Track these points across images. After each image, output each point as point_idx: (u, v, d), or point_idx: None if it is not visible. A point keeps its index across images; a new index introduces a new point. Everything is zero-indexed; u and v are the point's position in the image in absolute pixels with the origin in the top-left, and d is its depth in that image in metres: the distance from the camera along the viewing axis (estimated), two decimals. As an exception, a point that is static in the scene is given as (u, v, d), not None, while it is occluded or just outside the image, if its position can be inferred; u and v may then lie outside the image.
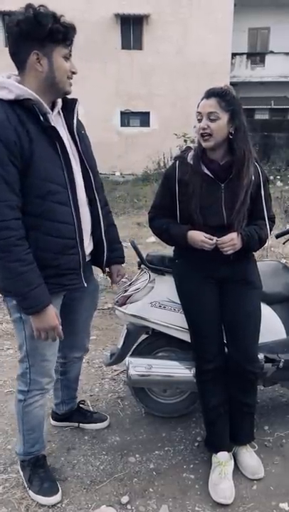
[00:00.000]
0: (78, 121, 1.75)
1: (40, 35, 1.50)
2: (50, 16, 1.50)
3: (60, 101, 1.69)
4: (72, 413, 2.31)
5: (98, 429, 2.33)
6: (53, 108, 1.66)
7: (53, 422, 2.34)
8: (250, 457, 2.07)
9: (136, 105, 17.47)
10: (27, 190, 1.55)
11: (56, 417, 2.33)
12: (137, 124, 17.94)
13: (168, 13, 16.68)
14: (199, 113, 1.86)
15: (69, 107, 1.71)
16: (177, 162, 1.99)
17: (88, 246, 1.81)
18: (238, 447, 2.10)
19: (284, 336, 2.25)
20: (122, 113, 17.65)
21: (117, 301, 2.27)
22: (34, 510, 1.85)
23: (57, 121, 1.66)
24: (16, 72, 1.61)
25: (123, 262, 2.10)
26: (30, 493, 1.90)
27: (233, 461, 2.04)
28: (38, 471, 1.93)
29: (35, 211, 1.58)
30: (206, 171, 1.92)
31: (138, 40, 17.25)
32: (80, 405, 2.36)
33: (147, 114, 17.78)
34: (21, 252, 1.54)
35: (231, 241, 1.86)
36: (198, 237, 1.89)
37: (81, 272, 1.75)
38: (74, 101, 1.71)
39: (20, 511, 1.85)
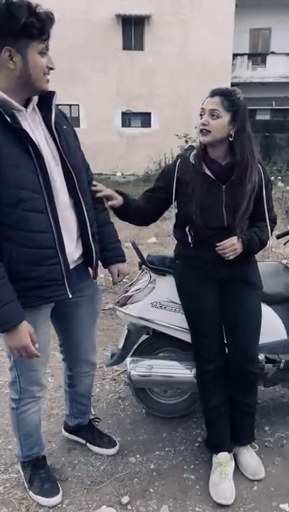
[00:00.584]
0: (59, 115, 1.62)
1: (14, 30, 1.36)
2: (24, 8, 1.35)
3: (35, 97, 1.55)
4: (82, 429, 2.20)
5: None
6: (27, 105, 1.53)
7: (64, 432, 2.28)
8: (250, 458, 2.07)
9: (137, 106, 17.48)
10: None
11: (67, 428, 2.26)
12: (138, 125, 17.96)
13: (169, 13, 16.70)
14: (203, 109, 1.86)
15: (46, 102, 1.56)
16: (179, 160, 1.99)
17: (74, 251, 1.69)
18: (239, 448, 2.09)
19: (285, 336, 2.25)
20: (123, 113, 17.67)
21: (117, 302, 2.27)
22: (35, 510, 1.85)
23: (33, 119, 1.54)
24: None
25: (123, 261, 1.98)
26: (31, 493, 1.90)
27: (233, 462, 2.04)
28: (39, 472, 1.93)
29: (6, 221, 1.46)
30: (207, 172, 1.92)
31: (139, 40, 17.27)
32: (93, 423, 2.24)
33: (148, 114, 17.80)
34: None
35: (232, 246, 1.86)
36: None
37: (65, 282, 1.61)
38: (51, 94, 1.55)
39: (20, 511, 1.85)
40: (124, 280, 2.17)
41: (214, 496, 1.90)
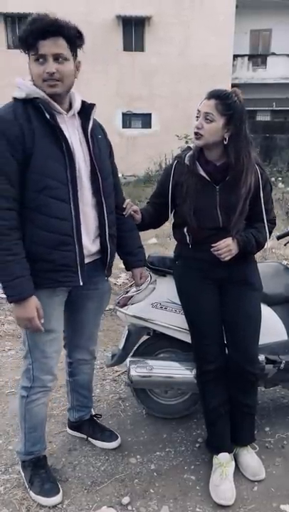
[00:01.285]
0: (96, 125, 1.81)
1: (23, 46, 1.60)
2: (26, 25, 1.56)
3: (78, 105, 1.74)
4: (84, 423, 2.26)
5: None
6: (69, 110, 1.72)
7: (68, 430, 2.33)
8: (251, 458, 2.07)
9: (137, 106, 17.49)
10: (25, 184, 1.60)
11: (70, 424, 2.31)
12: (138, 126, 17.97)
13: (170, 14, 16.71)
14: (198, 111, 1.87)
15: (86, 111, 1.76)
16: (176, 162, 2.01)
17: (92, 246, 1.81)
18: (239, 448, 2.10)
19: (285, 337, 2.25)
20: (123, 114, 17.68)
21: (118, 302, 2.28)
22: (35, 510, 1.85)
23: (72, 123, 1.72)
24: None
25: (143, 266, 2.10)
26: (31, 493, 1.90)
27: (234, 463, 2.04)
28: (39, 472, 1.94)
29: (30, 204, 1.62)
30: (202, 173, 1.92)
31: (140, 41, 17.28)
32: (94, 418, 2.30)
33: (149, 115, 17.80)
34: (9, 242, 1.58)
35: (227, 247, 1.85)
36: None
37: (78, 270, 1.73)
38: (91, 106, 1.77)
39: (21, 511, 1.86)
40: (124, 281, 2.18)
41: (214, 497, 1.90)
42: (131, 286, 2.31)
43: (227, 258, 1.87)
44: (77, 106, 1.74)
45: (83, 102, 1.76)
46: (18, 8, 15.97)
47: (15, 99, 1.63)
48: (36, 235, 1.64)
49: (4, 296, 1.69)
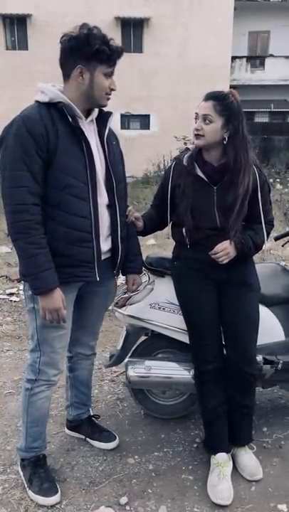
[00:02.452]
0: (111, 132, 1.89)
1: (87, 54, 1.66)
2: (99, 38, 1.66)
3: (95, 111, 1.83)
4: (82, 423, 2.27)
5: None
6: (88, 116, 1.80)
7: (66, 431, 2.33)
8: (248, 458, 2.07)
9: (136, 108, 17.52)
10: (48, 182, 1.68)
11: (68, 424, 2.32)
12: (137, 127, 18.00)
13: (168, 16, 16.75)
14: (196, 113, 1.89)
15: (103, 118, 1.85)
16: (174, 163, 2.02)
17: (104, 244, 1.86)
18: (237, 448, 2.10)
19: (283, 337, 2.25)
20: (122, 115, 17.69)
21: (116, 303, 2.28)
22: (33, 510, 1.86)
23: (89, 128, 1.80)
24: (62, 84, 1.76)
25: (140, 273, 2.14)
26: (30, 493, 1.91)
27: (231, 463, 2.04)
28: (39, 471, 1.94)
29: (52, 202, 1.69)
30: (200, 173, 1.94)
31: (138, 43, 17.33)
32: (93, 418, 2.31)
33: (147, 116, 17.84)
34: (36, 236, 1.66)
35: (224, 250, 1.87)
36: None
37: (95, 266, 1.81)
38: (108, 114, 1.86)
39: (19, 512, 1.86)
40: (122, 282, 2.20)
41: (212, 497, 1.91)
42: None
43: (225, 261, 1.89)
44: (95, 113, 1.83)
45: (100, 110, 1.85)
46: (18, 9, 16.00)
47: (38, 102, 1.70)
48: (57, 231, 1.71)
49: (29, 290, 1.76)
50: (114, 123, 1.87)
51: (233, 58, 18.84)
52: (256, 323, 2.03)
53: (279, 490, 1.97)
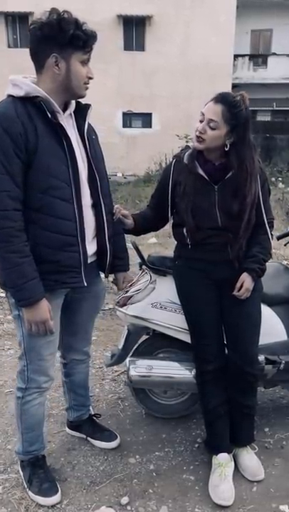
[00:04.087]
0: (90, 126, 1.78)
1: (61, 40, 1.54)
2: (72, 23, 1.54)
3: (73, 104, 1.73)
4: (83, 423, 2.25)
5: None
6: (65, 109, 1.69)
7: (67, 430, 2.32)
8: (250, 459, 2.06)
9: (138, 106, 17.49)
10: (29, 184, 1.57)
11: (69, 424, 2.31)
12: (139, 125, 17.97)
13: (171, 14, 16.70)
14: (202, 114, 1.82)
15: (81, 111, 1.75)
16: (174, 161, 2.00)
17: (90, 247, 1.79)
18: (239, 449, 2.09)
19: (285, 337, 2.24)
20: (124, 114, 17.68)
21: (118, 302, 2.27)
22: (34, 510, 1.85)
23: (68, 122, 1.69)
24: (34, 75, 1.65)
25: (128, 270, 2.09)
26: (30, 493, 1.90)
27: (233, 463, 2.03)
28: (38, 472, 1.93)
29: (34, 205, 1.59)
30: (200, 172, 1.92)
31: (140, 41, 17.29)
32: (93, 418, 2.29)
33: (149, 115, 17.81)
34: (19, 244, 1.56)
35: (244, 288, 1.90)
36: None
37: (82, 271, 1.74)
38: (87, 106, 1.76)
39: (20, 511, 1.85)
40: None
41: (214, 497, 1.90)
42: (131, 286, 2.30)
43: (246, 296, 1.91)
44: (72, 106, 1.72)
45: (78, 102, 1.74)
46: (19, 7, 15.98)
47: (12, 96, 1.58)
48: (40, 236, 1.61)
49: (13, 300, 1.68)
50: (92, 116, 1.76)
51: (236, 57, 18.78)
52: (258, 323, 2.01)
53: (281, 490, 1.96)
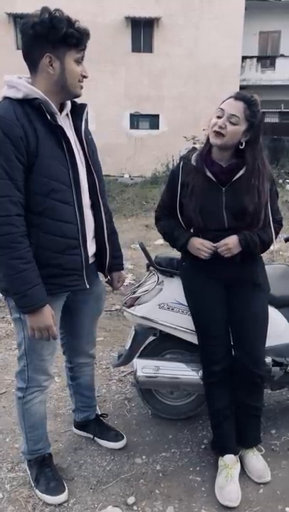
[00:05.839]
0: (86, 126, 1.76)
1: (54, 39, 1.52)
2: (64, 21, 1.52)
3: (69, 104, 1.71)
4: (90, 423, 2.26)
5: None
6: (61, 110, 1.68)
7: (74, 430, 2.34)
8: (256, 460, 2.06)
9: (145, 108, 17.51)
10: (30, 188, 1.55)
11: (76, 424, 2.32)
12: (146, 127, 17.98)
13: (179, 16, 16.71)
14: (221, 110, 1.82)
15: (78, 111, 1.73)
16: (182, 162, 2.00)
17: (91, 248, 1.80)
18: (245, 450, 2.09)
19: (292, 339, 2.24)
20: (131, 115, 17.70)
21: (125, 303, 2.28)
22: (41, 509, 1.86)
23: (65, 123, 1.67)
24: (28, 75, 1.63)
25: (122, 269, 2.11)
26: (37, 492, 1.92)
27: (239, 464, 2.03)
28: (45, 471, 1.94)
29: (36, 209, 1.58)
30: (208, 174, 1.92)
31: (148, 42, 17.31)
32: (100, 418, 2.30)
33: (157, 116, 17.81)
34: (22, 250, 1.54)
35: (225, 246, 1.87)
36: (194, 244, 1.92)
37: (84, 274, 1.74)
38: (83, 106, 1.74)
39: (27, 510, 1.86)
40: (131, 282, 2.19)
41: (220, 498, 1.90)
42: (138, 286, 2.31)
43: (228, 255, 1.88)
44: (68, 106, 1.71)
45: (73, 102, 1.73)
46: (27, 9, 16.01)
47: (9, 99, 1.55)
48: (43, 240, 1.60)
49: (13, 303, 1.66)
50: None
51: (244, 58, 18.74)
52: (265, 324, 2.01)
53: (287, 493, 1.96)
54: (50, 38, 1.52)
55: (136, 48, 17.29)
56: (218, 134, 1.82)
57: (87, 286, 1.76)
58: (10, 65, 15.57)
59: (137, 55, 17.23)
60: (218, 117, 1.83)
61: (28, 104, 1.54)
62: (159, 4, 16.58)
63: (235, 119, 1.79)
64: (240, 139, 1.84)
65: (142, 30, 17.12)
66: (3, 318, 3.89)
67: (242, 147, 1.84)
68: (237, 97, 1.81)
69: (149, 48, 17.36)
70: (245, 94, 1.83)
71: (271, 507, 1.89)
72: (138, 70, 17.18)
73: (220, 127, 1.81)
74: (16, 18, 16.64)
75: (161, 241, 6.32)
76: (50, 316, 1.62)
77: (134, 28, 17.00)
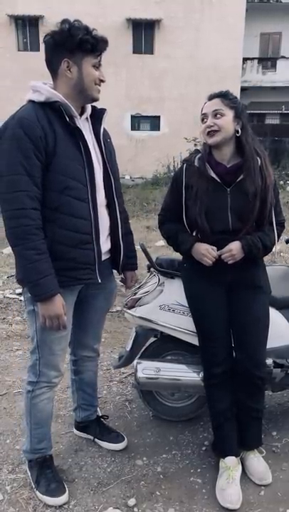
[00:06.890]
0: (105, 130, 1.87)
1: (71, 45, 1.64)
2: (82, 29, 1.64)
3: (89, 108, 1.82)
4: (91, 424, 2.27)
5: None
6: (82, 114, 1.78)
7: (75, 431, 2.34)
8: (257, 462, 2.06)
9: (146, 109, 17.54)
10: (47, 185, 1.65)
11: (76, 425, 2.33)
12: (147, 128, 18.01)
13: (180, 18, 16.75)
14: (204, 114, 1.89)
15: (97, 116, 1.84)
16: (185, 165, 2.00)
17: (104, 244, 1.86)
18: (246, 452, 2.09)
19: (293, 341, 2.23)
20: (132, 117, 17.73)
21: (126, 304, 2.28)
22: (42, 510, 1.86)
23: (84, 126, 1.78)
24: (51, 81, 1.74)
25: (136, 269, 2.15)
26: (37, 493, 1.91)
27: (240, 466, 2.03)
28: (45, 472, 1.94)
29: (52, 204, 1.67)
30: (213, 175, 1.92)
31: (149, 44, 17.35)
32: (101, 419, 2.31)
33: (158, 118, 17.84)
34: (37, 241, 1.63)
35: (230, 252, 1.88)
36: (199, 250, 1.92)
37: (96, 268, 1.80)
38: (103, 110, 1.85)
39: (27, 511, 1.86)
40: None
41: (221, 500, 1.90)
42: (139, 287, 2.31)
43: (230, 262, 1.89)
44: (89, 110, 1.81)
45: (93, 107, 1.84)
46: (29, 11, 16.11)
47: (32, 102, 1.67)
48: (57, 234, 1.69)
49: (29, 295, 1.74)
50: (107, 120, 1.85)
51: (245, 60, 18.77)
52: (266, 326, 2.01)
53: (288, 495, 1.95)
54: (67, 45, 1.64)
55: (137, 50, 17.32)
56: (211, 133, 1.87)
57: (99, 280, 1.82)
58: (12, 66, 15.68)
59: (138, 57, 17.26)
60: (204, 121, 1.90)
61: (49, 107, 1.65)
62: (160, 6, 16.63)
63: (219, 111, 1.86)
64: (235, 127, 1.88)
65: (143, 32, 17.16)
66: (4, 319, 3.90)
67: (239, 134, 1.88)
68: (210, 97, 1.90)
69: (150, 50, 17.40)
70: (215, 92, 1.91)
71: (272, 509, 1.88)
72: (139, 71, 17.21)
73: (209, 127, 1.87)
74: (17, 20, 16.68)
75: (162, 242, 6.33)
76: (60, 305, 1.69)
77: (135, 29, 17.04)
